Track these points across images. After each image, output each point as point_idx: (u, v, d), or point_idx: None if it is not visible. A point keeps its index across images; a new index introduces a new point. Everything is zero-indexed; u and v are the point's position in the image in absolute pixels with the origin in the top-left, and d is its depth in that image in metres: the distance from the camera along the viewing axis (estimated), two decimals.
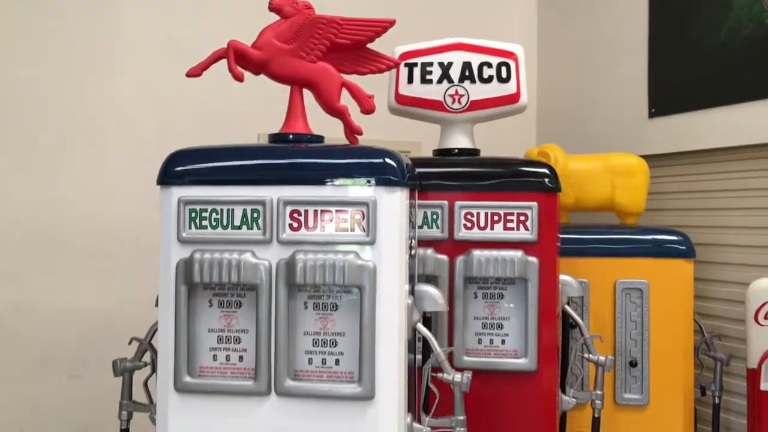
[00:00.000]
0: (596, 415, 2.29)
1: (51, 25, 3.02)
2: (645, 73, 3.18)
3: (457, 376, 1.80)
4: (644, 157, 2.89)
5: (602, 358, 2.26)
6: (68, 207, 3.05)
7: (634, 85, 3.23)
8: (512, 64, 2.33)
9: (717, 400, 2.62)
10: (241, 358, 1.77)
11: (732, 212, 2.77)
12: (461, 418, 1.82)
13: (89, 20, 3.09)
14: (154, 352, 1.98)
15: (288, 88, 1.92)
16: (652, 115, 3.15)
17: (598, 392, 2.28)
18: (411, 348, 1.86)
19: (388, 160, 1.74)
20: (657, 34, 3.14)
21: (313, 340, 1.74)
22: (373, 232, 1.69)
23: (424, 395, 1.86)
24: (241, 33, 1.92)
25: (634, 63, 3.23)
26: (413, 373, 1.88)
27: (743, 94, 2.70)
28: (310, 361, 1.74)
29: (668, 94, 3.08)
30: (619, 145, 3.11)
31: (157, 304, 1.80)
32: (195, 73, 1.87)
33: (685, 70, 2.98)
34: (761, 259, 2.63)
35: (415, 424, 1.79)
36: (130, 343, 2.04)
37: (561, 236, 2.34)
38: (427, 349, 1.84)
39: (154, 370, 1.97)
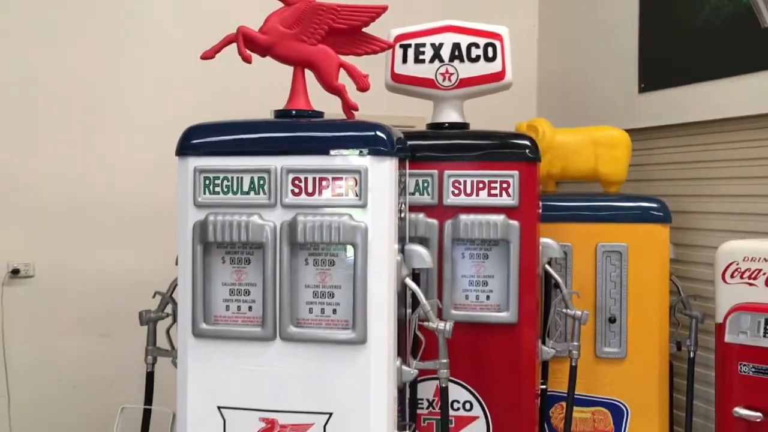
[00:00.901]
0: (573, 364, 2.50)
1: (79, 12, 3.26)
2: (635, 51, 3.32)
3: (441, 324, 2.02)
4: (634, 130, 3.03)
5: (578, 312, 2.46)
6: (97, 179, 3.29)
7: (625, 62, 3.38)
8: (498, 44, 2.48)
9: (692, 355, 2.81)
10: (250, 308, 2.00)
11: (709, 182, 2.93)
12: (444, 360, 2.04)
13: (115, 10, 3.33)
14: (175, 304, 2.21)
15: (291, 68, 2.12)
16: (641, 90, 3.31)
17: (575, 343, 2.49)
18: (402, 301, 2.07)
19: (378, 133, 1.95)
20: (646, 14, 3.28)
21: (313, 292, 1.97)
22: (365, 197, 1.90)
23: (412, 342, 2.07)
24: (249, 19, 2.11)
25: (625, 41, 3.37)
26: (403, 323, 2.09)
27: (725, 70, 2.83)
28: (310, 311, 1.97)
29: (656, 70, 3.23)
30: (611, 118, 3.25)
31: (177, 263, 2.03)
32: (208, 55, 2.09)
33: (672, 48, 3.13)
34: (735, 225, 2.79)
35: (404, 367, 2.02)
36: (154, 296, 2.28)
37: (547, 203, 2.53)
38: (415, 302, 2.05)
39: (174, 320, 2.21)
